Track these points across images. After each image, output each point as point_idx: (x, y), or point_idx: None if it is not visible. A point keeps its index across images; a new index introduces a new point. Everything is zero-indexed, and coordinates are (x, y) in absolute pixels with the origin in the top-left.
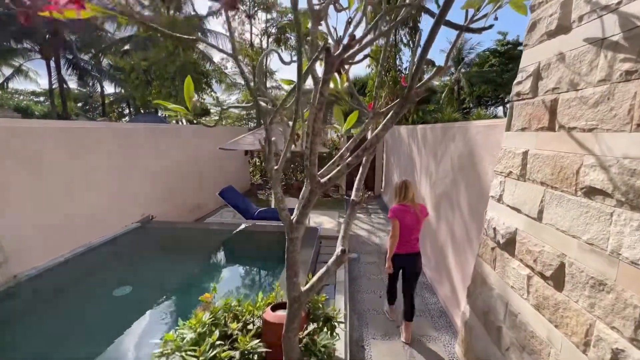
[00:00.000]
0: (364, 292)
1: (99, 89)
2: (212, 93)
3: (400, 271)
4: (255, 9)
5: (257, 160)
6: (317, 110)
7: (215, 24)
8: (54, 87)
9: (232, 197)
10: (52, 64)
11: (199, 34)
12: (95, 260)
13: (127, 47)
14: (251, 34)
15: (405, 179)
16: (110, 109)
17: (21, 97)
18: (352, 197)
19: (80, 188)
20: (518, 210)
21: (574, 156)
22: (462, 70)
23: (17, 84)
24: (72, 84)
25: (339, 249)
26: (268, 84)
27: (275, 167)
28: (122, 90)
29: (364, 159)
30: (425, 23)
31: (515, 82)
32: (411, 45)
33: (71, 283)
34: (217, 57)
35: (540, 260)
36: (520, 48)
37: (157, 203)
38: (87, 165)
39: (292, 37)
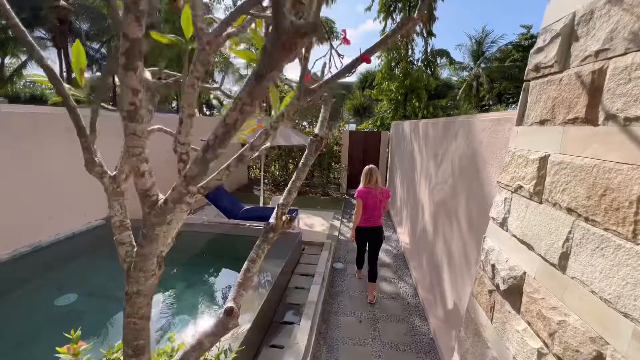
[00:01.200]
0: (342, 313)
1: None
2: (214, 83)
3: (367, 243)
4: None
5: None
6: (124, 69)
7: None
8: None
9: (215, 194)
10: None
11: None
12: (42, 262)
13: None
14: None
15: (371, 166)
16: None
17: (43, 87)
18: (271, 217)
19: (29, 181)
20: (529, 246)
21: (634, 171)
22: (482, 65)
23: (36, 72)
24: (86, 73)
25: (227, 304)
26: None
27: (111, 174)
28: None
29: (304, 161)
30: (443, 10)
31: (533, 50)
32: (424, 35)
33: (2, 291)
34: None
35: (560, 337)
36: None
37: (131, 198)
38: (38, 155)
39: None
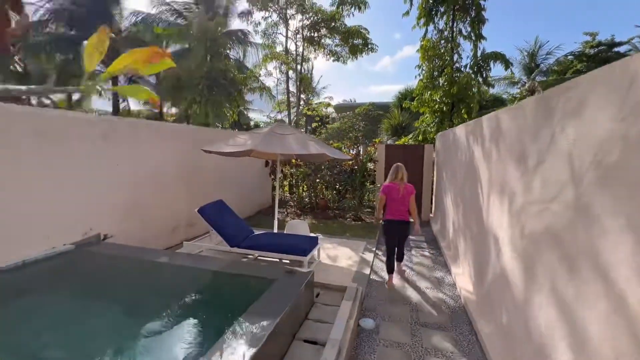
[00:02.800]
0: None
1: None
2: (241, 107)
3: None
4: (293, 11)
5: (283, 172)
6: None
7: (249, 29)
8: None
9: (217, 216)
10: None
11: (234, 42)
12: None
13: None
14: (286, 37)
15: (397, 164)
16: None
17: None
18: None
19: None
20: None
21: None
22: (537, 78)
23: (99, 104)
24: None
25: None
26: (315, 100)
27: None
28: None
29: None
30: (492, 11)
31: None
32: (472, 38)
33: None
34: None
35: None
36: (617, 49)
37: (121, 218)
38: None
39: (329, 37)
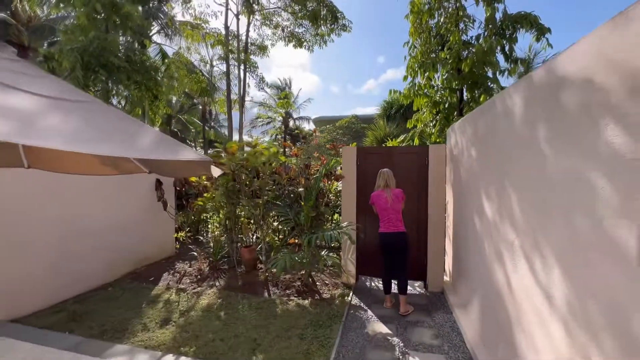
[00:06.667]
0: None
1: None
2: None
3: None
4: None
5: (188, 200)
6: None
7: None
8: None
9: None
10: None
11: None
12: None
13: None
14: (227, 8)
15: (382, 169)
16: None
17: None
18: None
19: None
20: None
21: None
22: None
23: None
24: None
25: None
26: (294, 114)
27: None
28: None
29: None
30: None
31: None
32: None
33: None
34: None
35: None
36: None
37: None
38: None
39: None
